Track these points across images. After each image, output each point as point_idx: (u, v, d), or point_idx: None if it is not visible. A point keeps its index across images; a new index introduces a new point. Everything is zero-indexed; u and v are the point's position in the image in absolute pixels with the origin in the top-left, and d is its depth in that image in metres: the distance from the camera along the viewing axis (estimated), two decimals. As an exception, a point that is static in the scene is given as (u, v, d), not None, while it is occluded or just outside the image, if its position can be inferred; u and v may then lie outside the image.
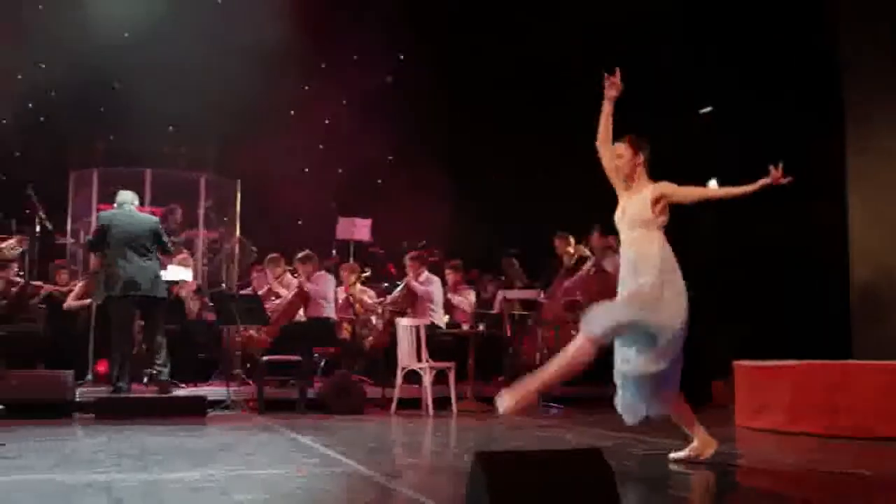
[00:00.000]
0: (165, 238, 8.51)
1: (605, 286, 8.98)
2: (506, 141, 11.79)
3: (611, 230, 9.05)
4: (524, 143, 11.39)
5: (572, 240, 9.73)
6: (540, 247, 10.28)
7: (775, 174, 4.81)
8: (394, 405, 8.21)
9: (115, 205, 8.51)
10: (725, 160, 10.89)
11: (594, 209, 9.82)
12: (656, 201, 4.92)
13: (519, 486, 3.15)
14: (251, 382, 8.91)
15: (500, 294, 10.17)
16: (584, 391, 9.36)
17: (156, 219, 8.75)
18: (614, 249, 9.02)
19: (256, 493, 3.95)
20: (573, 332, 8.77)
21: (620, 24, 10.45)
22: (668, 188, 4.96)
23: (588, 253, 9.46)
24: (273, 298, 9.71)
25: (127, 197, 8.45)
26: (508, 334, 9.67)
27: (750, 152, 10.11)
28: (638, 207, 4.97)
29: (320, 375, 9.39)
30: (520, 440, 6.30)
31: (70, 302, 9.70)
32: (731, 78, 10.58)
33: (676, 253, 4.91)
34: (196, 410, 7.60)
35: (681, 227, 4.92)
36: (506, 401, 4.64)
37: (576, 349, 4.76)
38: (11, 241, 5.87)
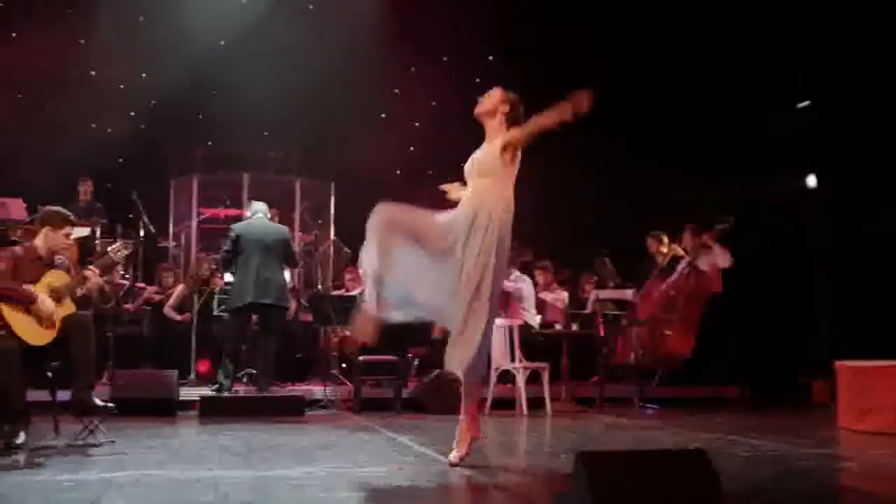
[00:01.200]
0: (294, 250, 8.69)
1: (700, 285, 8.86)
2: (594, 142, 11.69)
3: (701, 229, 8.99)
4: (613, 143, 11.26)
5: (665, 239, 9.61)
6: (633, 247, 10.17)
7: (578, 100, 4.53)
8: (488, 405, 8.23)
9: (249, 214, 8.72)
10: (824, 156, 10.64)
11: (686, 209, 9.69)
12: (504, 148, 4.77)
13: (621, 486, 3.13)
14: (347, 382, 9.03)
15: (593, 294, 10.13)
16: (680, 392, 9.25)
17: (286, 229, 8.90)
18: (709, 248, 8.86)
19: (357, 491, 4.01)
20: (667, 332, 8.75)
21: (716, 22, 10.26)
22: (510, 132, 4.81)
23: (682, 252, 9.33)
24: (367, 299, 9.81)
25: (261, 207, 8.61)
26: (602, 334, 9.61)
27: (849, 147, 9.86)
28: (487, 155, 4.85)
29: (414, 375, 9.47)
30: (617, 441, 6.24)
31: (167, 310, 10.02)
32: (830, 72, 10.29)
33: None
34: (294, 410, 7.76)
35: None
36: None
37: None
38: (117, 245, 6.08)
